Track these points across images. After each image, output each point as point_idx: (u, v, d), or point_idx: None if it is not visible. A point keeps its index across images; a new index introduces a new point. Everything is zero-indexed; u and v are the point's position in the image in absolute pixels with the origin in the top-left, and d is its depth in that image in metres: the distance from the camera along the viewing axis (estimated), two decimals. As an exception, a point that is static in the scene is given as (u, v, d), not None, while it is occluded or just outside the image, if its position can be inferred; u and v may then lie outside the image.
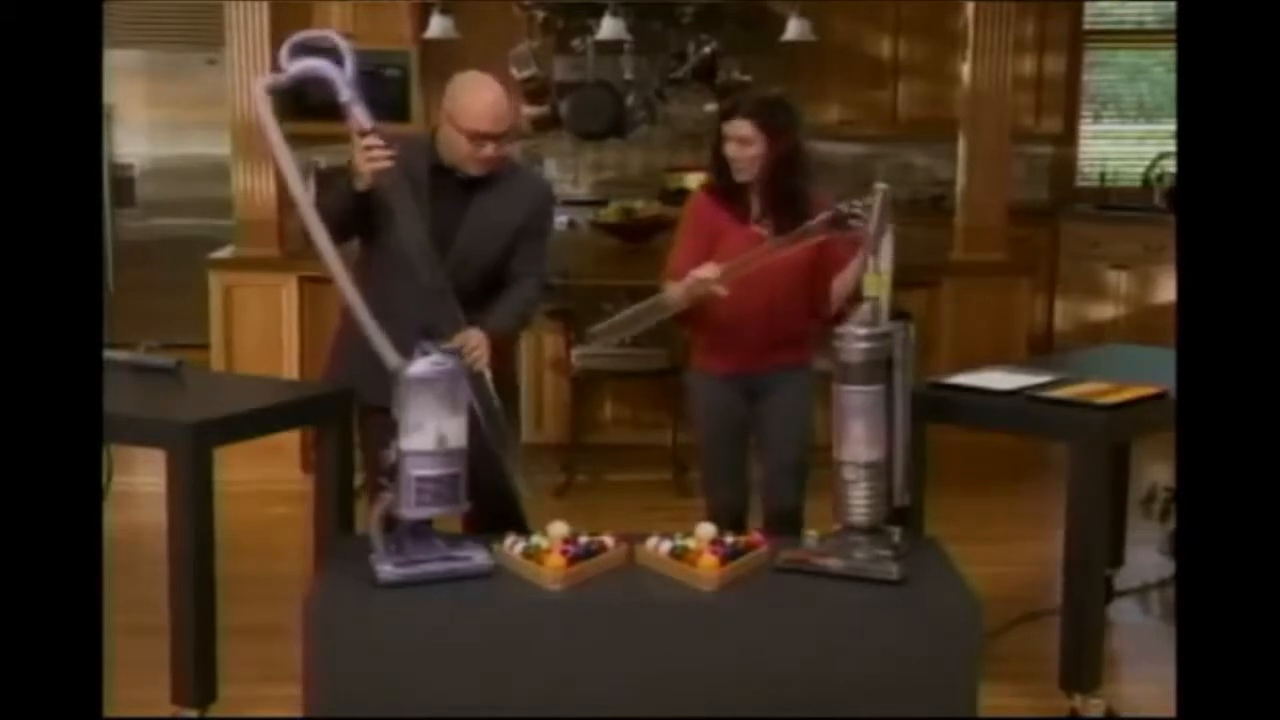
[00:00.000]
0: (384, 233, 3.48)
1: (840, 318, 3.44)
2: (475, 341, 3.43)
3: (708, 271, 3.59)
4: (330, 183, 3.79)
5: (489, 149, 3.51)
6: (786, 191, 3.75)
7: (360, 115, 3.29)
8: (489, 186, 3.60)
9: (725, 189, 3.82)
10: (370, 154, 3.31)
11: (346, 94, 3.26)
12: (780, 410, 3.80)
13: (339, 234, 3.35)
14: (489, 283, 3.64)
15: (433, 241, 3.43)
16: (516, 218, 3.64)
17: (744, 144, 3.71)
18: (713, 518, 3.61)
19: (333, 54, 3.28)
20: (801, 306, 3.80)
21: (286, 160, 3.22)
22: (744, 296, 3.65)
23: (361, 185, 3.39)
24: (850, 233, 3.44)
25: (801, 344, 3.81)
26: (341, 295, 3.25)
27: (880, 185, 3.39)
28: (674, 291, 3.69)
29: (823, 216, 3.48)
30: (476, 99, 3.49)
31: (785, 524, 3.72)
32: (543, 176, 4.19)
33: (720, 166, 3.81)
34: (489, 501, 3.46)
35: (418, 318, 3.35)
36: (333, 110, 3.32)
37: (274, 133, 3.24)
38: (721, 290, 3.58)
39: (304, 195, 3.23)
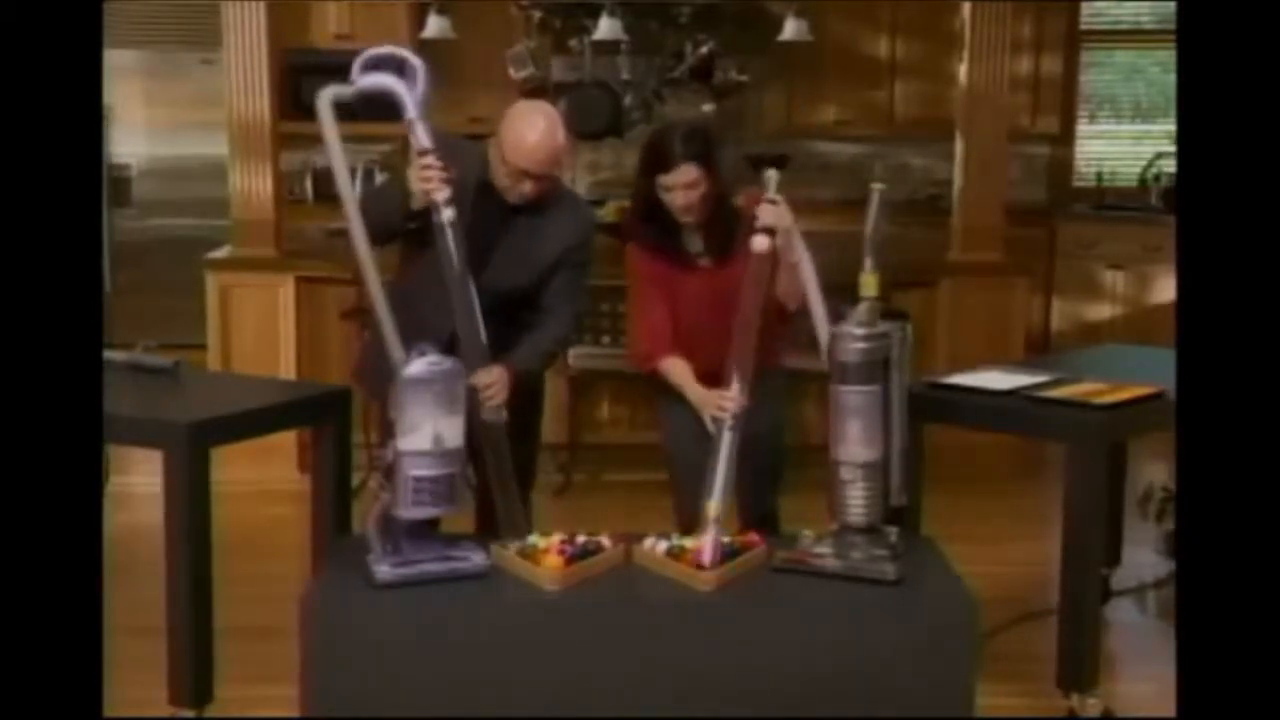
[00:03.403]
0: (428, 248, 3.39)
1: (801, 313, 3.43)
2: (491, 379, 3.38)
3: (731, 405, 3.47)
4: (381, 189, 3.76)
5: (527, 186, 3.46)
6: (727, 220, 3.64)
7: (422, 134, 3.28)
8: (533, 212, 3.54)
9: (660, 236, 3.68)
10: (425, 174, 3.28)
11: (413, 112, 3.27)
12: (752, 417, 3.67)
13: (378, 240, 3.33)
14: (519, 306, 3.59)
15: (468, 257, 3.39)
16: (556, 248, 3.58)
17: (691, 188, 3.56)
18: (685, 530, 3.52)
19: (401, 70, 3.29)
20: (760, 319, 3.58)
21: (342, 169, 3.24)
22: (700, 321, 3.63)
23: (416, 204, 3.36)
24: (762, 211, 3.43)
25: (766, 351, 3.65)
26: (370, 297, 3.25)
27: (876, 185, 3.38)
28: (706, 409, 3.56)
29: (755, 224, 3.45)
30: (524, 137, 3.41)
31: (762, 527, 3.67)
32: (588, 206, 4.07)
33: (652, 215, 3.65)
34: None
35: (446, 333, 3.34)
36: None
37: (335, 142, 3.24)
38: (744, 401, 3.47)
39: (354, 203, 3.23)
